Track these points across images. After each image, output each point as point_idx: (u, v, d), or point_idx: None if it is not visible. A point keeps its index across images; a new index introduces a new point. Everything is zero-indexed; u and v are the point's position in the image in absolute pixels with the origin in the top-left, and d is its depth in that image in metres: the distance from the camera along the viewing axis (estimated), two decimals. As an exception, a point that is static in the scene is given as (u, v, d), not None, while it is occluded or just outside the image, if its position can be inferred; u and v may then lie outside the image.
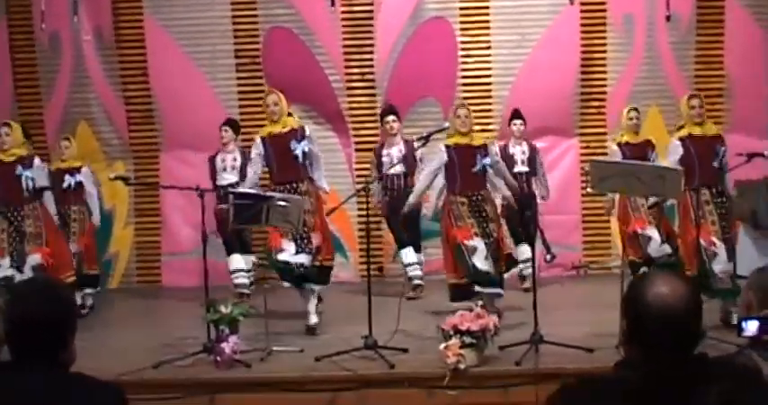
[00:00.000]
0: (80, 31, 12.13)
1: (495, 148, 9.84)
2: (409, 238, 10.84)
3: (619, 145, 10.07)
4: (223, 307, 7.82)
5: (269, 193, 8.42)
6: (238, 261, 10.92)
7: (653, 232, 9.53)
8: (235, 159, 10.88)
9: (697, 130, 9.04)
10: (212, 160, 11.00)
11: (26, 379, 2.99)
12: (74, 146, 10.97)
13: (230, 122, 11.20)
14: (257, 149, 9.21)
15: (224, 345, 7.53)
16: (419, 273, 10.85)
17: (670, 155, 9.07)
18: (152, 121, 12.48)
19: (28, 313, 3.03)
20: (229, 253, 10.95)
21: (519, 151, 10.97)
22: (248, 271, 10.98)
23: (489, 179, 9.21)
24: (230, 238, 10.83)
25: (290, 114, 9.47)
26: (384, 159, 10.78)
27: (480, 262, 8.75)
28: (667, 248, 9.50)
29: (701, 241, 8.54)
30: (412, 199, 9.68)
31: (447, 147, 9.07)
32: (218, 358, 7.53)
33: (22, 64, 12.47)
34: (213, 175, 10.92)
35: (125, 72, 12.44)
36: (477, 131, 11.70)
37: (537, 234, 9.76)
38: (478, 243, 8.80)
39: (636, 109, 10.35)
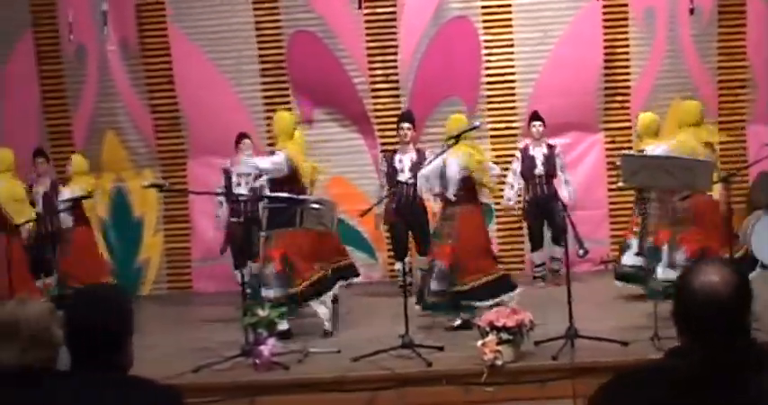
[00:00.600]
0: (105, 41, 12.23)
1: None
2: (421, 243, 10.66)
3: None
4: (260, 310, 7.89)
5: (302, 197, 8.48)
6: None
7: (633, 242, 9.76)
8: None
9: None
10: (228, 171, 10.98)
11: (86, 383, 3.06)
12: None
13: (246, 135, 11.15)
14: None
15: (262, 347, 7.61)
16: None
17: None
18: (178, 129, 12.57)
19: (87, 319, 3.11)
20: (238, 267, 10.36)
21: (539, 152, 11.08)
22: None
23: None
24: (238, 252, 10.54)
25: None
26: (397, 166, 10.82)
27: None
28: (639, 261, 9.54)
29: None
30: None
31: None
32: (257, 361, 7.61)
33: (49, 75, 12.58)
34: (228, 186, 10.85)
35: (151, 80, 12.53)
36: (502, 129, 11.98)
37: (569, 230, 9.77)
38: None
39: None
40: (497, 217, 12.07)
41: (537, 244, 11.33)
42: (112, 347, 3.12)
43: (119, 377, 3.12)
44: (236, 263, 10.63)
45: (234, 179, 10.87)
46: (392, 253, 11.49)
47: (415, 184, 10.20)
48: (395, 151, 11.04)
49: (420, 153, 10.72)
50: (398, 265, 10.70)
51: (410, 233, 10.83)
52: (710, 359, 2.68)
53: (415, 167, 10.33)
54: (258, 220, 9.82)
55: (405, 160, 10.76)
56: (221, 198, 10.74)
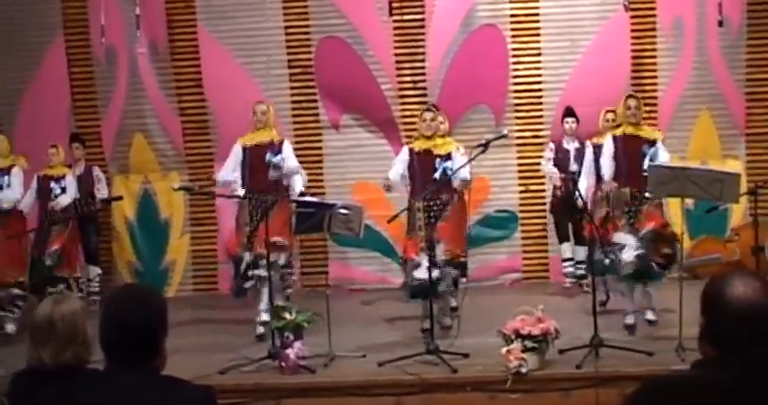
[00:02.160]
0: (136, 44, 12.33)
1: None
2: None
3: (614, 138, 9.45)
4: (287, 313, 7.95)
5: (330, 202, 8.54)
6: None
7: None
8: None
9: (630, 130, 9.17)
10: None
11: (123, 382, 3.12)
12: (61, 153, 11.23)
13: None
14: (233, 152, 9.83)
15: (289, 351, 7.66)
16: None
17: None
18: (206, 132, 12.64)
19: (120, 320, 3.16)
20: None
21: (572, 148, 11.00)
22: None
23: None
24: None
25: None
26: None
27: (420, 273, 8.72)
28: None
29: None
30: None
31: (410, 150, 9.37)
32: (284, 364, 7.67)
33: (80, 77, 12.70)
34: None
35: (180, 83, 12.62)
36: (529, 137, 11.97)
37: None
38: (422, 258, 8.79)
39: (613, 111, 10.19)
40: (521, 225, 12.12)
41: (564, 237, 11.16)
42: (149, 347, 3.18)
43: (154, 376, 3.18)
44: None
45: None
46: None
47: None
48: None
49: None
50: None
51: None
52: (748, 370, 2.70)
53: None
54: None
55: None
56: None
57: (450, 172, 8.99)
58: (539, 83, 12.21)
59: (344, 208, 8.23)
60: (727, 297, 2.77)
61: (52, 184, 10.90)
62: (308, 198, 9.00)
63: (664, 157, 8.99)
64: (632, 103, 9.25)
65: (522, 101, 12.18)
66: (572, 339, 7.88)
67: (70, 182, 11.03)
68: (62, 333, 3.65)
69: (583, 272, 10.70)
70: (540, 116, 12.19)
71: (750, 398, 2.68)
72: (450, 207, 9.14)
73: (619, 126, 9.43)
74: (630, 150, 9.07)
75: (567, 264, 11.24)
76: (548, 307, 8.70)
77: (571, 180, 10.46)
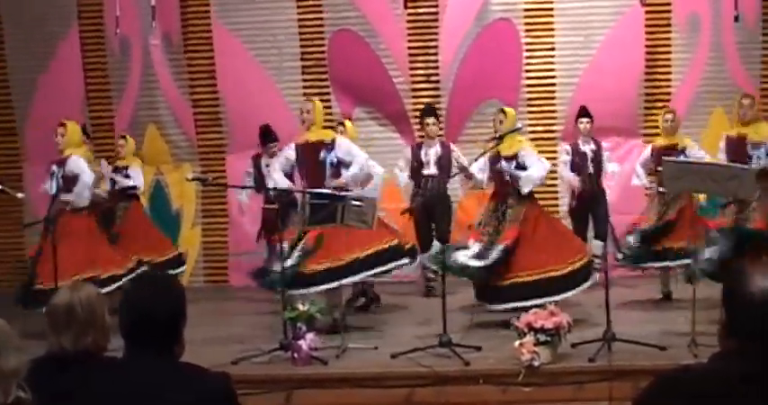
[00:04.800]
0: (149, 35, 12.34)
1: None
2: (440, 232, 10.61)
3: (653, 149, 10.32)
4: (300, 305, 7.95)
5: (343, 193, 8.54)
6: None
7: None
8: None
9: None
10: (257, 160, 11.18)
11: (143, 369, 3.14)
12: (130, 143, 11.44)
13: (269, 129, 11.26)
14: (289, 154, 9.58)
15: (301, 342, 7.66)
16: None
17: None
18: (219, 123, 12.67)
19: (143, 308, 3.19)
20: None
21: (588, 149, 10.88)
22: None
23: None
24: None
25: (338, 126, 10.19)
26: (423, 159, 10.80)
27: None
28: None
29: None
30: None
31: None
32: (296, 355, 7.66)
33: (93, 67, 12.76)
34: (260, 175, 10.96)
35: (193, 75, 12.66)
36: (541, 132, 11.96)
37: (610, 232, 9.76)
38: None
39: (672, 111, 10.50)
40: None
41: (583, 238, 10.72)
42: (169, 335, 3.20)
43: (174, 363, 3.20)
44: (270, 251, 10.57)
45: (264, 167, 10.89)
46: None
47: (440, 177, 10.57)
48: (420, 144, 11.02)
49: (445, 147, 10.84)
50: (424, 259, 10.19)
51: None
52: (763, 364, 2.68)
53: (440, 161, 10.65)
54: (294, 203, 9.86)
55: (430, 154, 10.76)
56: (248, 179, 11.06)
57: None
58: (552, 78, 12.22)
59: (358, 200, 8.23)
60: (752, 289, 2.76)
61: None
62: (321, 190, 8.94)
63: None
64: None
65: (535, 95, 12.20)
66: (585, 333, 7.90)
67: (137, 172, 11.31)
68: (82, 318, 3.65)
69: (598, 266, 10.31)
70: (554, 111, 12.20)
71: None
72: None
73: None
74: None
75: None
76: (562, 300, 8.78)
77: (594, 180, 10.75)
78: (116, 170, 11.26)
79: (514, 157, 9.17)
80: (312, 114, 9.43)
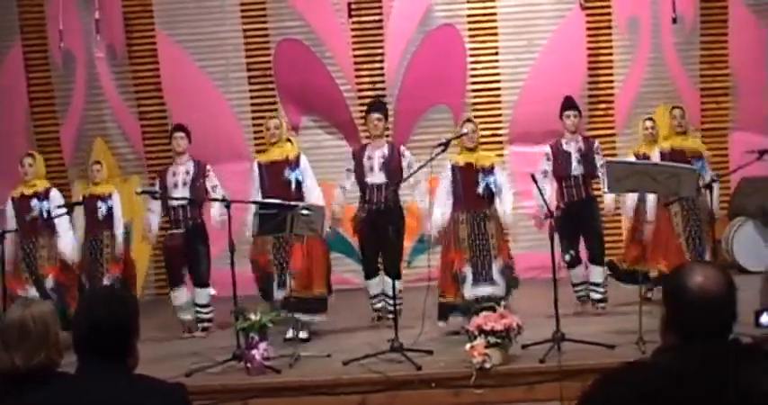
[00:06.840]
0: (94, 48, 12.29)
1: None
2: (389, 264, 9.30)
3: (636, 155, 9.93)
4: (252, 314, 7.98)
5: (292, 203, 8.56)
6: (182, 296, 9.89)
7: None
8: (187, 172, 9.81)
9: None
10: (163, 174, 10.01)
11: (96, 382, 3.14)
12: (105, 168, 10.31)
13: (183, 128, 10.09)
14: (254, 173, 9.42)
15: (254, 351, 7.68)
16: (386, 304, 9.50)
17: None
18: (167, 135, 12.59)
19: (95, 320, 3.20)
20: (174, 286, 9.92)
21: (574, 148, 9.47)
22: (205, 306, 9.84)
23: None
24: (176, 270, 9.93)
25: (289, 140, 9.57)
26: (365, 164, 9.36)
27: (468, 291, 8.79)
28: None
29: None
30: (434, 231, 9.01)
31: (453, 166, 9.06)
32: (249, 365, 7.69)
33: (37, 83, 12.66)
34: (164, 190, 9.80)
35: (139, 87, 12.62)
36: (488, 136, 12.02)
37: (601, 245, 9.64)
38: (468, 271, 8.84)
39: (651, 119, 10.30)
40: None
41: (575, 259, 9.52)
42: (121, 346, 3.21)
43: (127, 376, 3.21)
44: (172, 281, 9.98)
45: (169, 179, 9.82)
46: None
47: (386, 186, 9.17)
48: (364, 146, 9.69)
49: (393, 148, 9.45)
50: (370, 286, 9.62)
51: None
52: (705, 354, 2.77)
53: (387, 165, 9.28)
54: (201, 230, 9.72)
55: (375, 157, 9.33)
56: (152, 204, 9.97)
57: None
58: (497, 81, 12.34)
59: (306, 209, 8.26)
60: (689, 285, 2.84)
61: (99, 203, 9.99)
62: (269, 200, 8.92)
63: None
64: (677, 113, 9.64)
65: (480, 100, 12.32)
66: (535, 335, 7.98)
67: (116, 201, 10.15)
68: (34, 335, 3.65)
69: (600, 295, 9.64)
70: (499, 115, 12.31)
71: (707, 379, 2.74)
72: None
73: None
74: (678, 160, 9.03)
75: (578, 288, 9.65)
76: (512, 303, 8.86)
77: (581, 184, 9.47)
78: (92, 198, 10.04)
79: (491, 169, 9.00)
80: (279, 131, 9.39)
